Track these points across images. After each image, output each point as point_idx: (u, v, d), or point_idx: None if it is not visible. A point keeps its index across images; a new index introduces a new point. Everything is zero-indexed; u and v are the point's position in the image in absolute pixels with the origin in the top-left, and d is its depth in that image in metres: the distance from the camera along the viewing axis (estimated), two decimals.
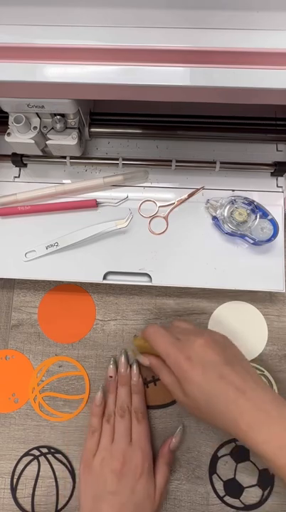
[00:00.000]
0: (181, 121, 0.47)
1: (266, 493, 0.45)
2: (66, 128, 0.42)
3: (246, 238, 0.46)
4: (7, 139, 0.41)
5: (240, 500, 0.45)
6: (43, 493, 0.46)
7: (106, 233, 0.46)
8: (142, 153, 0.49)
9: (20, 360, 0.49)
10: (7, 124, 0.41)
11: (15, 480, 0.46)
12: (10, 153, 0.47)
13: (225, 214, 0.45)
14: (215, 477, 0.46)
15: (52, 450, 0.47)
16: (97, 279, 0.46)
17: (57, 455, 0.47)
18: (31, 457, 0.47)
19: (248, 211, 0.45)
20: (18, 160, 0.48)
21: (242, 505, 0.45)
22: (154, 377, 0.48)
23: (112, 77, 0.31)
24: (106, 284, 0.48)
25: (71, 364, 0.49)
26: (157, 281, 0.46)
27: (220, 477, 0.46)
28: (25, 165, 0.49)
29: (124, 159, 0.48)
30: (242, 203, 0.45)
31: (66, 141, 0.42)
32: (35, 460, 0.46)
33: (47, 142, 0.43)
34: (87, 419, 0.47)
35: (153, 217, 0.48)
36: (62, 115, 0.41)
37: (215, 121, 0.47)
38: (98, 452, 0.42)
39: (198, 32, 0.30)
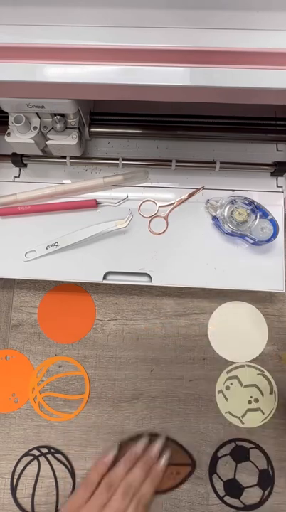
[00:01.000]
0: (181, 121, 0.47)
1: (266, 493, 0.45)
2: (66, 128, 0.42)
3: (246, 238, 0.46)
4: (7, 139, 0.42)
5: (240, 501, 0.45)
6: (43, 493, 0.46)
7: (106, 233, 0.46)
8: (142, 153, 0.49)
9: (20, 360, 0.49)
10: (7, 124, 0.41)
11: (15, 480, 0.46)
12: (10, 153, 0.48)
13: (225, 214, 0.45)
14: (215, 477, 0.46)
15: (52, 450, 0.47)
16: (97, 279, 0.46)
17: (57, 455, 0.47)
18: (31, 457, 0.47)
19: (248, 211, 0.45)
20: (18, 160, 0.48)
21: (242, 506, 0.45)
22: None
23: (112, 77, 0.31)
24: (106, 284, 0.48)
25: (71, 364, 0.49)
26: (157, 281, 0.46)
27: (220, 477, 0.46)
28: (25, 165, 0.49)
29: (124, 159, 0.48)
30: (242, 203, 0.45)
31: (66, 141, 0.42)
32: (35, 460, 0.46)
33: (47, 142, 0.43)
34: (87, 419, 0.47)
35: (153, 217, 0.48)
36: (62, 115, 0.41)
37: (215, 121, 0.47)
38: (84, 510, 0.38)
39: (198, 32, 0.30)
